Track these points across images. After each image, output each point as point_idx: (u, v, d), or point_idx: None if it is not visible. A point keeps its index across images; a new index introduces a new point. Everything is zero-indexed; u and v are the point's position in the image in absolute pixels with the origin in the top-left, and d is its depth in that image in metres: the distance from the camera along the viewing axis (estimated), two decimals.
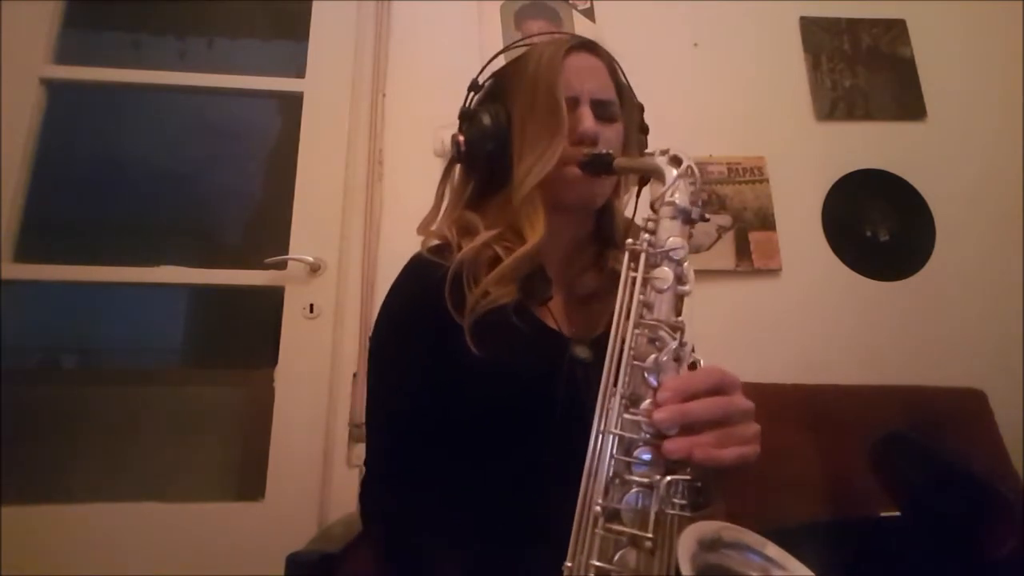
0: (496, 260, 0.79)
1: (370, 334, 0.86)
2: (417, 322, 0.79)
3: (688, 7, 1.95)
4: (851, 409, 1.50)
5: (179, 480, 1.55)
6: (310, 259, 1.60)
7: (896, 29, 2.00)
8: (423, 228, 0.88)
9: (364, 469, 0.82)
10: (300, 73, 1.78)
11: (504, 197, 0.82)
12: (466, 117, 0.87)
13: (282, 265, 1.61)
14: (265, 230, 1.77)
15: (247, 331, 1.75)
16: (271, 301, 1.61)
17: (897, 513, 1.08)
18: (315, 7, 1.83)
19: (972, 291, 1.79)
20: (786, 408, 1.48)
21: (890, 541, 0.92)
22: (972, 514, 0.88)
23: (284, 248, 1.62)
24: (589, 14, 1.90)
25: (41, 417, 1.57)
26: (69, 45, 1.77)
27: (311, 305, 1.59)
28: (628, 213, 0.91)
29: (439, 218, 0.88)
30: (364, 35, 1.81)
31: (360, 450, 1.53)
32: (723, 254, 1.76)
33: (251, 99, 1.88)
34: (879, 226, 1.84)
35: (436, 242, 0.85)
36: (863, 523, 1.19)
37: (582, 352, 0.76)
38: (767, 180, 1.82)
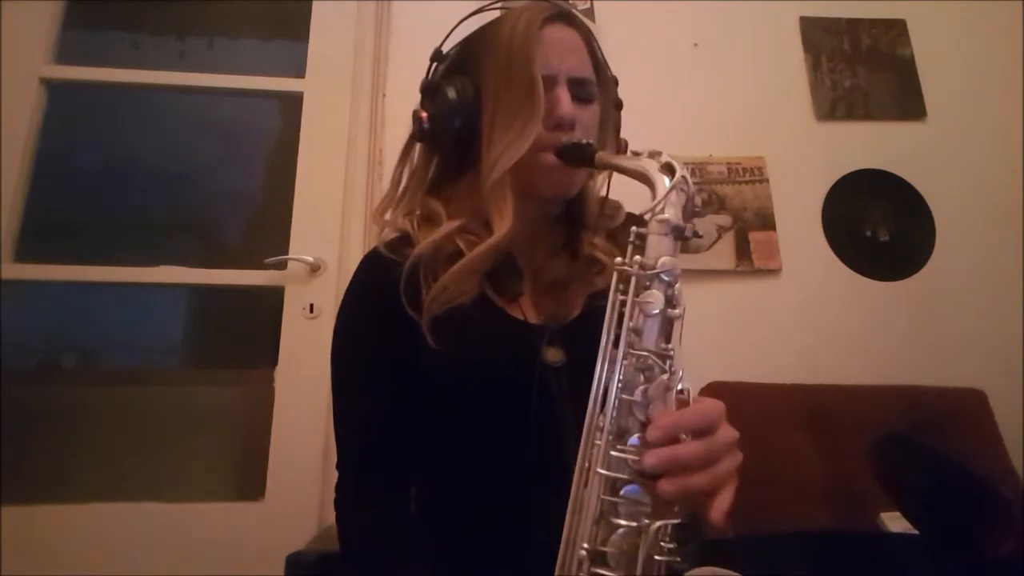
0: (456, 255, 0.73)
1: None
2: (374, 323, 0.74)
3: (688, 7, 1.95)
4: (851, 409, 1.50)
5: (179, 480, 1.55)
6: (310, 259, 1.60)
7: (896, 29, 2.00)
8: (378, 215, 0.82)
9: (338, 472, 0.80)
10: (300, 73, 1.78)
11: (470, 180, 0.76)
12: (429, 91, 0.78)
13: (282, 265, 1.61)
14: (265, 230, 1.77)
15: (247, 331, 1.74)
16: (271, 301, 1.61)
17: (899, 523, 1.08)
18: (315, 7, 1.83)
19: (972, 291, 1.79)
20: (786, 408, 1.48)
21: (890, 552, 0.92)
22: (972, 514, 0.88)
23: (284, 248, 1.62)
24: (589, 14, 1.90)
25: (41, 417, 1.57)
26: (69, 45, 1.77)
27: (311, 305, 1.59)
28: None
29: (396, 203, 0.82)
30: (364, 35, 1.81)
31: None
32: (723, 254, 1.76)
33: (251, 99, 1.88)
34: (879, 226, 1.84)
35: (395, 235, 0.78)
36: (864, 536, 1.19)
37: (553, 355, 0.71)
38: (767, 180, 1.82)
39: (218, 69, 1.80)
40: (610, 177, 0.85)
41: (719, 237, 1.77)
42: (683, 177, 0.59)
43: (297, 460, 1.50)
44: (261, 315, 1.65)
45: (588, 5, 1.91)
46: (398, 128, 1.74)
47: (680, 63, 1.91)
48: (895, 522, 1.25)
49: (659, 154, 0.61)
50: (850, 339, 1.73)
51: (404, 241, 0.76)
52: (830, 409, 1.50)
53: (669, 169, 0.59)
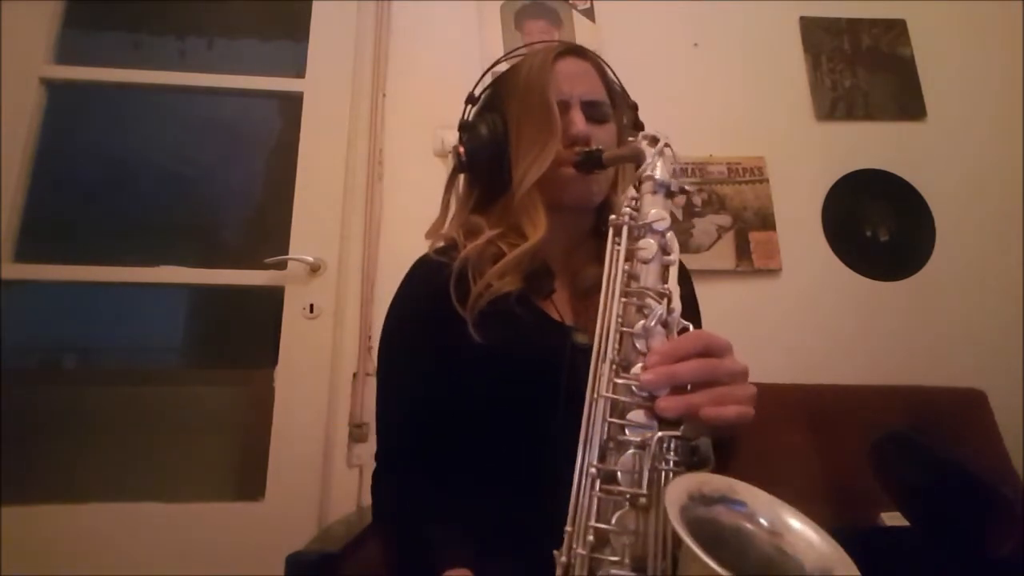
0: (500, 256, 0.82)
1: (379, 334, 0.89)
2: (424, 318, 0.82)
3: (688, 7, 1.95)
4: (851, 409, 1.50)
5: (179, 480, 1.54)
6: (310, 259, 1.60)
7: (896, 29, 2.00)
8: (432, 233, 0.91)
9: (375, 463, 0.84)
10: (300, 73, 1.78)
11: (506, 200, 0.85)
12: (465, 128, 0.90)
13: (282, 265, 1.61)
14: (265, 230, 1.77)
15: (247, 331, 1.74)
16: (271, 301, 1.61)
17: (898, 523, 1.08)
18: (315, 7, 1.83)
19: (972, 291, 1.79)
20: (786, 408, 1.48)
21: (891, 550, 0.92)
22: (972, 514, 0.88)
23: (284, 248, 1.62)
24: (589, 14, 1.90)
25: (41, 417, 1.57)
26: (69, 45, 1.77)
27: (311, 305, 1.59)
28: None
29: (447, 224, 0.92)
30: (364, 35, 1.82)
31: (360, 450, 1.53)
32: (723, 254, 1.76)
33: (251, 99, 1.88)
34: (879, 226, 1.84)
35: (442, 244, 0.88)
36: (864, 531, 1.19)
37: (583, 338, 0.77)
38: (767, 180, 1.82)
39: (218, 69, 1.80)
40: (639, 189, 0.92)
41: (719, 237, 1.77)
42: (666, 144, 0.67)
43: (297, 460, 1.50)
44: (261, 315, 1.65)
45: (588, 5, 1.91)
46: (398, 128, 1.76)
47: (680, 63, 1.91)
48: (895, 522, 1.25)
49: (648, 134, 0.70)
50: (850, 339, 1.73)
51: (451, 248, 0.86)
52: (830, 409, 1.50)
53: (653, 140, 0.69)
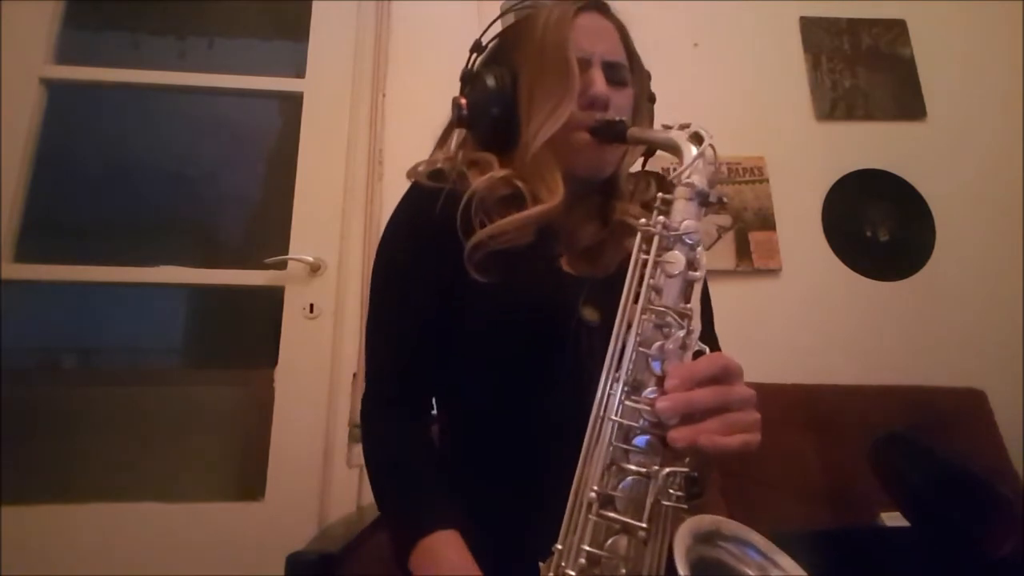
0: (510, 199, 0.75)
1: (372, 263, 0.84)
2: (419, 245, 0.76)
3: (688, 7, 1.95)
4: (851, 409, 1.50)
5: (179, 480, 1.54)
6: (310, 259, 1.60)
7: (896, 29, 2.00)
8: (411, 173, 0.84)
9: (364, 403, 0.80)
10: (300, 73, 1.78)
11: (507, 161, 0.78)
12: (468, 79, 0.83)
13: (282, 265, 1.61)
14: (265, 230, 1.77)
15: (247, 331, 1.75)
16: (271, 301, 1.61)
17: (899, 524, 1.08)
18: (315, 7, 1.83)
19: (972, 291, 1.79)
20: (786, 408, 1.48)
21: (891, 551, 0.92)
22: (972, 514, 0.88)
23: (284, 248, 1.62)
24: None
25: (41, 417, 1.57)
26: (69, 45, 1.77)
27: (311, 305, 1.59)
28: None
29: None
30: (364, 35, 1.81)
31: (360, 450, 1.53)
32: (723, 254, 1.76)
33: (251, 99, 1.88)
34: (879, 226, 1.84)
35: (430, 170, 0.81)
36: (864, 531, 1.19)
37: (590, 315, 0.72)
38: (767, 180, 1.82)
39: (218, 69, 1.79)
40: (646, 158, 0.87)
41: (719, 237, 1.77)
42: (710, 145, 0.61)
43: (297, 460, 1.50)
44: (261, 315, 1.65)
45: None
46: (398, 128, 1.76)
47: (680, 63, 1.90)
48: (895, 522, 1.25)
49: (688, 125, 0.64)
50: (850, 339, 1.73)
51: (439, 175, 0.78)
52: (830, 409, 1.50)
53: (697, 138, 0.62)
